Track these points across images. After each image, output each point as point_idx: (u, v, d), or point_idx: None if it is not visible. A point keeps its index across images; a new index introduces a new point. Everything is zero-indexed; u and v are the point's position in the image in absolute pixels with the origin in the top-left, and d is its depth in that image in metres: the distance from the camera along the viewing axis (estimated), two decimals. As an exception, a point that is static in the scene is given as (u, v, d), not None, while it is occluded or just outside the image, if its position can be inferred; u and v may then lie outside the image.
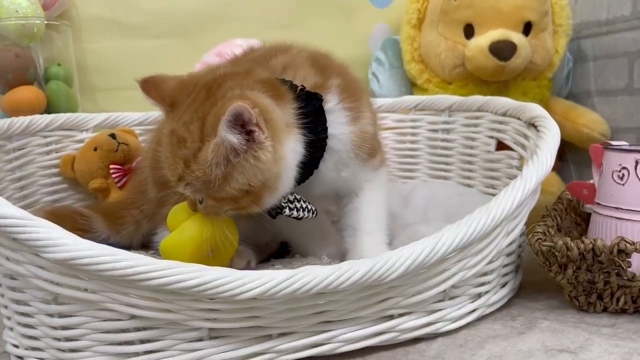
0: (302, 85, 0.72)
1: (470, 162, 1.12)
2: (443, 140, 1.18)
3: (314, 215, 0.73)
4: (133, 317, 0.63)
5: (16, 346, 0.72)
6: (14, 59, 1.06)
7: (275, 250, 0.93)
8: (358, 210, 0.81)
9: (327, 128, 0.72)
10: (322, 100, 0.72)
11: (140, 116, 1.16)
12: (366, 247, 0.79)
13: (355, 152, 0.75)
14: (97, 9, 1.28)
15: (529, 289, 0.87)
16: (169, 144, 0.66)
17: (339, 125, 0.73)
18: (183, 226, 0.73)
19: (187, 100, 0.67)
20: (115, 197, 1.00)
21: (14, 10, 1.06)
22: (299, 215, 0.71)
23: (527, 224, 0.80)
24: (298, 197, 0.72)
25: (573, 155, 1.38)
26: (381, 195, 0.83)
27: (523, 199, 0.72)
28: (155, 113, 1.18)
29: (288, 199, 0.71)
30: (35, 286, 0.63)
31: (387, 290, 0.67)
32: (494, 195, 1.02)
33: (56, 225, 0.60)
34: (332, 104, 0.74)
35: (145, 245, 0.94)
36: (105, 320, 0.64)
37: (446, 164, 1.18)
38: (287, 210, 0.70)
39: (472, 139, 1.11)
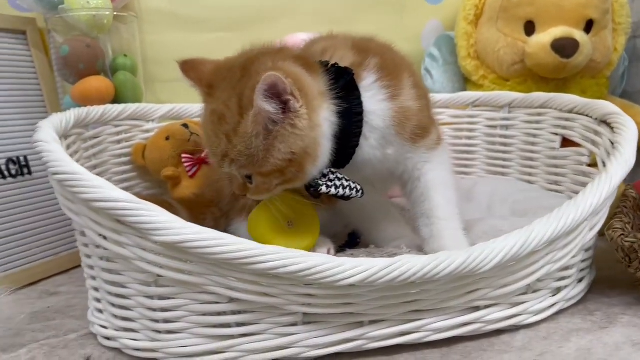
0: (332, 63, 0.73)
1: (531, 159, 1.12)
2: (501, 136, 1.18)
3: (360, 194, 0.72)
4: (232, 300, 0.65)
5: (105, 327, 0.74)
6: (86, 49, 1.08)
7: (345, 242, 0.94)
8: (426, 195, 0.80)
9: (361, 103, 0.72)
10: (353, 74, 0.72)
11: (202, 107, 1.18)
12: (444, 234, 0.79)
13: (396, 130, 0.75)
14: (158, 2, 1.29)
15: (601, 285, 0.87)
16: (211, 122, 0.68)
17: (377, 102, 0.74)
18: (263, 202, 0.76)
19: (224, 81, 0.69)
20: (186, 186, 1.02)
21: (85, 1, 1.07)
22: (339, 192, 0.70)
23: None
24: (340, 175, 0.72)
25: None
26: (446, 175, 0.82)
27: (609, 194, 0.72)
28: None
29: (328, 177, 0.71)
30: (137, 268, 0.65)
31: (477, 282, 0.68)
32: (557, 192, 1.05)
33: (164, 210, 0.61)
34: (369, 81, 0.74)
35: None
36: (203, 303, 0.65)
37: (504, 160, 1.18)
38: (323, 188, 0.70)
39: (534, 136, 1.11)
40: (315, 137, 0.67)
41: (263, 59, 0.69)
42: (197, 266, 0.62)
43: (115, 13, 1.13)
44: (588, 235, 0.75)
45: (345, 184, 0.72)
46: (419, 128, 0.77)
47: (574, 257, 0.75)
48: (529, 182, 1.13)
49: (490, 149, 1.20)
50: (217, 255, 0.59)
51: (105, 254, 0.69)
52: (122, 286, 0.69)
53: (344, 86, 0.71)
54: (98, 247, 0.69)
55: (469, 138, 1.23)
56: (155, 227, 0.60)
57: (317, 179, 0.70)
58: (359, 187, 0.73)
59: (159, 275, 0.65)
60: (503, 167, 1.18)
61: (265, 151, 0.65)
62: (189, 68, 0.73)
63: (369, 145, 0.75)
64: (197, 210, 0.95)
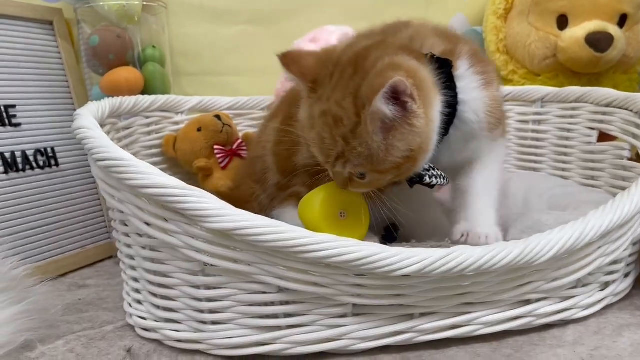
0: (431, 53, 0.71)
1: (565, 154, 1.10)
2: (533, 131, 1.16)
3: (447, 182, 0.73)
4: (281, 290, 0.63)
5: (144, 318, 0.72)
6: (116, 39, 1.06)
7: (382, 236, 0.93)
8: (469, 174, 0.79)
9: (457, 94, 0.71)
10: (452, 66, 0.71)
11: (230, 100, 1.17)
12: (471, 208, 0.78)
13: (487, 119, 0.74)
14: (184, -6, 1.29)
15: (643, 283, 0.85)
16: (325, 124, 0.65)
17: (470, 90, 0.72)
18: (318, 187, 0.74)
19: (331, 78, 0.67)
20: (218, 177, 1.01)
21: (115, -9, 1.06)
22: (437, 182, 0.71)
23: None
24: (431, 165, 0.72)
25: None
26: (496, 166, 0.81)
27: (662, 186, 0.71)
28: (243, 98, 1.19)
29: (424, 167, 0.70)
30: (183, 257, 0.64)
31: (530, 274, 0.67)
32: (594, 187, 1.03)
33: (214, 196, 0.60)
34: (463, 70, 0.72)
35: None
36: (252, 293, 0.64)
37: (537, 155, 1.16)
38: (427, 178, 0.70)
39: (568, 130, 1.09)
40: (429, 132, 0.66)
41: (375, 52, 0.67)
42: (246, 254, 0.61)
43: (144, 3, 1.12)
44: (639, 229, 0.73)
45: (437, 172, 0.72)
46: (499, 118, 0.77)
47: (625, 250, 0.73)
48: (563, 177, 1.11)
49: (522, 144, 1.18)
50: (269, 243, 0.58)
51: (150, 242, 0.67)
52: (166, 276, 0.67)
53: (447, 76, 0.70)
54: (142, 235, 0.67)
55: (500, 133, 1.21)
56: (206, 214, 0.58)
57: (428, 173, 0.70)
58: (444, 175, 0.73)
59: (205, 264, 0.63)
60: (535, 162, 1.17)
61: (385, 150, 0.63)
62: (290, 61, 0.69)
63: (455, 136, 0.74)
64: (237, 206, 0.93)
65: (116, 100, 0.91)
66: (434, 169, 0.72)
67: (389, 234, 0.92)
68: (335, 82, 0.66)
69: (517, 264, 0.62)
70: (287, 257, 0.60)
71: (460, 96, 0.71)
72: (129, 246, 0.72)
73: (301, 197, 0.74)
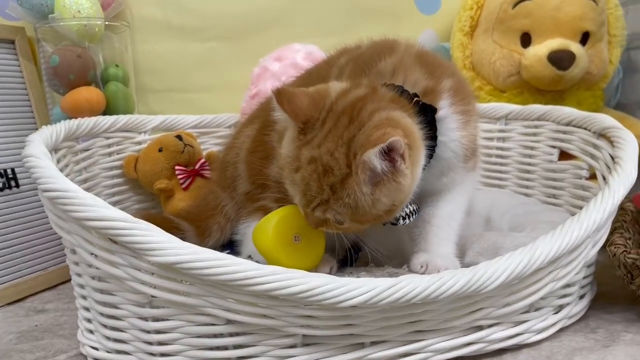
0: (415, 95, 0.71)
1: (528, 172, 1.11)
2: (498, 148, 1.17)
3: (417, 214, 0.74)
4: (229, 322, 0.63)
5: (96, 349, 0.71)
6: (77, 59, 1.05)
7: (343, 257, 0.92)
8: (434, 205, 0.80)
9: (436, 136, 0.71)
10: (436, 112, 0.71)
11: (195, 119, 1.16)
12: (431, 239, 0.78)
13: (463, 154, 0.75)
14: (150, 11, 1.27)
15: (602, 301, 0.86)
16: (314, 171, 0.64)
17: (450, 131, 0.73)
18: (272, 212, 0.74)
19: (323, 124, 0.66)
20: (180, 198, 1.00)
21: (76, 10, 1.05)
22: (408, 222, 0.72)
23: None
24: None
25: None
26: (463, 198, 0.81)
27: (612, 210, 0.71)
28: (209, 116, 1.18)
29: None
30: (130, 289, 0.63)
31: (480, 301, 0.67)
32: (555, 205, 1.04)
33: (160, 229, 0.59)
34: (444, 111, 0.73)
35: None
36: (200, 325, 0.63)
37: (501, 172, 1.17)
38: (401, 221, 0.72)
39: (531, 148, 1.10)
40: (412, 188, 0.67)
41: (370, 104, 0.66)
42: (192, 287, 0.60)
43: (106, 22, 1.11)
44: (591, 252, 0.74)
45: (408, 210, 0.73)
46: (473, 152, 0.78)
47: (576, 274, 0.74)
48: (526, 194, 1.12)
49: (487, 161, 1.19)
50: (214, 276, 0.57)
51: (97, 273, 0.66)
52: (115, 307, 0.67)
53: (430, 124, 0.70)
54: (90, 266, 0.66)
55: (465, 150, 1.22)
56: (150, 247, 0.57)
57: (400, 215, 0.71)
58: (414, 209, 0.74)
59: (153, 296, 0.63)
60: (500, 179, 1.17)
61: (370, 204, 0.63)
62: (285, 99, 0.67)
63: (431, 174, 0.74)
64: (202, 223, 0.93)
65: (73, 123, 0.90)
66: (407, 207, 0.72)
67: (350, 256, 0.92)
68: (327, 129, 0.65)
69: (465, 293, 0.62)
70: (232, 289, 0.59)
71: (440, 138, 0.72)
72: (79, 275, 0.71)
73: (269, 212, 0.73)
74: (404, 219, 0.72)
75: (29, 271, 1.05)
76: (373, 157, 0.60)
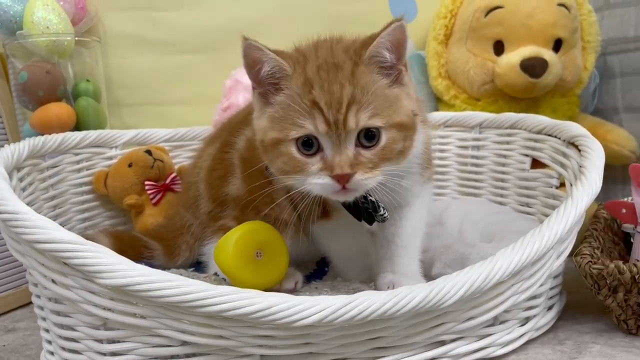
0: None
1: (502, 180, 1.11)
2: (473, 157, 1.17)
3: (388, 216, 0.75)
4: (184, 343, 0.62)
5: (56, 370, 0.70)
6: (45, 76, 1.05)
7: (313, 270, 0.92)
8: (397, 223, 0.80)
9: None
10: None
11: (168, 132, 1.15)
12: (397, 260, 0.79)
13: (423, 155, 0.76)
14: (123, 25, 1.27)
15: (572, 311, 0.85)
16: (327, 72, 0.65)
17: None
18: (233, 229, 0.73)
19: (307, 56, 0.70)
20: (150, 214, 0.99)
21: (45, 26, 1.05)
22: (387, 214, 0.73)
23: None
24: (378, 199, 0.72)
25: (600, 172, 1.36)
26: (423, 212, 0.82)
27: (575, 221, 0.71)
28: (182, 129, 1.18)
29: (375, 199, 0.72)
30: (84, 311, 0.62)
31: (441, 316, 0.66)
32: (528, 213, 1.03)
33: (111, 251, 0.59)
34: None
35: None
36: (155, 346, 0.62)
37: (477, 181, 1.17)
38: (381, 209, 0.72)
39: (505, 157, 1.10)
40: (416, 120, 0.70)
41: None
42: (146, 309, 0.59)
43: (77, 38, 1.11)
44: (555, 263, 0.73)
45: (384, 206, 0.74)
46: (429, 158, 0.80)
47: (541, 285, 0.73)
48: (501, 203, 1.11)
49: (463, 170, 1.19)
50: (165, 297, 0.56)
51: (53, 295, 0.65)
52: (72, 329, 0.66)
53: None
54: (45, 288, 0.66)
55: (441, 159, 1.21)
56: (100, 269, 0.57)
57: (380, 204, 0.72)
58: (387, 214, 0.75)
59: (107, 319, 0.62)
60: (475, 187, 1.17)
61: (394, 98, 0.67)
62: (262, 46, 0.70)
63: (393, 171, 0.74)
64: (170, 242, 0.93)
65: (38, 140, 0.89)
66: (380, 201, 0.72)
67: (320, 269, 0.92)
68: (318, 53, 0.69)
69: (423, 308, 0.61)
70: (184, 311, 0.58)
71: None
72: (38, 296, 0.70)
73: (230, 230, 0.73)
74: (383, 209, 0.72)
75: (0, 289, 1.04)
76: (379, 47, 0.65)
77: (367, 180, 0.65)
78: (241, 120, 0.87)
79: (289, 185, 0.71)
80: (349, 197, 0.69)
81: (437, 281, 0.63)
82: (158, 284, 0.56)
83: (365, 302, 0.59)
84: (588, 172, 0.76)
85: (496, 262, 0.65)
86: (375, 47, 0.66)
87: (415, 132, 0.70)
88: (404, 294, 0.61)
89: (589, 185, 0.74)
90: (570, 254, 0.78)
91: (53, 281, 0.63)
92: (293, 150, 0.67)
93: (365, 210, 0.72)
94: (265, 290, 0.76)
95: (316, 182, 0.66)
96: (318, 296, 0.60)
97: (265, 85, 0.69)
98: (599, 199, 1.31)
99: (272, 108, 0.69)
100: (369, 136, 0.66)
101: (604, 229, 0.95)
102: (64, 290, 0.62)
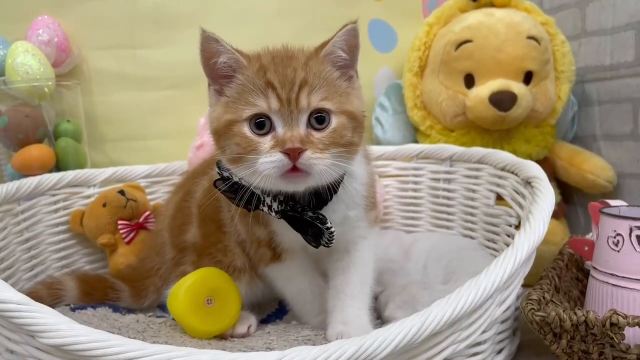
0: None
1: (471, 214, 1.12)
2: (444, 190, 1.18)
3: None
4: (127, 397, 0.64)
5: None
6: (25, 119, 1.09)
7: (275, 310, 0.94)
8: (346, 271, 0.82)
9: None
10: None
11: (147, 169, 1.19)
12: (347, 311, 0.80)
13: (365, 193, 0.79)
14: (106, 63, 1.31)
15: (527, 351, 0.86)
16: (281, 58, 0.70)
17: (358, 164, 0.77)
18: (185, 277, 0.76)
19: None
20: (122, 253, 1.03)
21: (24, 72, 1.09)
22: (333, 229, 0.73)
23: (526, 277, 0.79)
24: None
25: (580, 199, 1.37)
26: (371, 258, 0.84)
27: (514, 270, 0.72)
28: (161, 165, 1.21)
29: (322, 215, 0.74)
30: (33, 365, 0.65)
31: (377, 367, 0.68)
32: (494, 249, 1.04)
33: (52, 310, 0.62)
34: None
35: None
36: (100, 399, 0.65)
37: (448, 213, 1.18)
38: (328, 223, 0.73)
39: (473, 191, 1.11)
40: (364, 121, 0.74)
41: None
42: (88, 364, 0.62)
43: (57, 82, 1.15)
44: (497, 311, 0.74)
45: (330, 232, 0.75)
46: (373, 199, 0.82)
47: (484, 332, 0.74)
48: (471, 237, 1.13)
49: (435, 202, 1.20)
50: (102, 357, 0.59)
51: (7, 347, 0.69)
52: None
53: None
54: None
55: (415, 190, 1.23)
56: (40, 329, 0.59)
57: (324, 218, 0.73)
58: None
59: (56, 373, 0.65)
60: (447, 220, 1.18)
61: (345, 90, 0.71)
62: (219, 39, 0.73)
63: (339, 200, 0.76)
64: (138, 284, 0.96)
65: (12, 186, 0.93)
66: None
67: (282, 308, 0.94)
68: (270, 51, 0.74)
69: (355, 362, 0.63)
70: (123, 368, 0.61)
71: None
72: (-3, 346, 0.73)
73: None
74: (330, 224, 0.73)
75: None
76: (334, 47, 0.71)
77: (317, 160, 0.67)
78: (200, 171, 0.90)
79: (239, 231, 0.74)
80: (300, 184, 0.70)
81: (369, 335, 0.64)
82: (96, 344, 0.59)
83: (296, 358, 0.61)
84: (533, 219, 0.77)
85: (429, 314, 0.66)
86: (331, 46, 0.71)
87: (364, 131, 0.73)
88: (334, 348, 0.62)
89: (531, 232, 0.75)
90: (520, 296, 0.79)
91: (7, 338, 0.66)
92: (246, 129, 0.69)
93: (312, 225, 0.73)
94: (217, 335, 0.80)
95: (267, 159, 0.67)
96: (249, 353, 0.62)
97: (221, 78, 0.72)
98: (581, 229, 1.32)
99: (227, 95, 0.72)
100: (319, 119, 0.69)
101: (566, 266, 0.96)
102: (14, 345, 0.65)
